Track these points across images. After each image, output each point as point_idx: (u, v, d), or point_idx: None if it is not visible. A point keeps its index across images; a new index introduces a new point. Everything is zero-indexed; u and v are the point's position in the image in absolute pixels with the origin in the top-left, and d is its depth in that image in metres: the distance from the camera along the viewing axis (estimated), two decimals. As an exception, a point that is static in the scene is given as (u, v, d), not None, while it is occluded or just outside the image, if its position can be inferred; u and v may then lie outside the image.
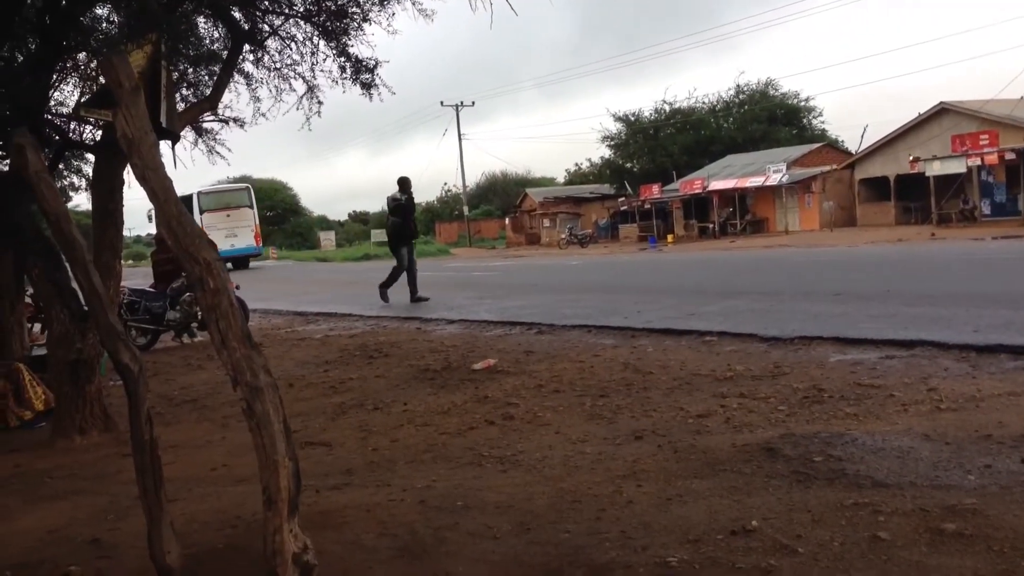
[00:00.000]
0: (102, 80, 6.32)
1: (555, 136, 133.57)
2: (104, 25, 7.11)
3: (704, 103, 57.14)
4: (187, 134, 8.78)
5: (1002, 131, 31.20)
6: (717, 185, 42.46)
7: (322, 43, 8.02)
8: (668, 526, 3.44)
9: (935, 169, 32.79)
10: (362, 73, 8.07)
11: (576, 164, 70.84)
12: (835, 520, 3.34)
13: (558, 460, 4.62)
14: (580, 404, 5.96)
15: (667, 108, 56.32)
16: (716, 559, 3.07)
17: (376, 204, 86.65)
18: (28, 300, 10.17)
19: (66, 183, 12.73)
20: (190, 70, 8.22)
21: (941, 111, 34.68)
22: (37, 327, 11.42)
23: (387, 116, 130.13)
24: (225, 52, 7.92)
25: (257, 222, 39.26)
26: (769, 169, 40.74)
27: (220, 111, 8.60)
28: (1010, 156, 30.62)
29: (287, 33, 8.13)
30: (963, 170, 31.74)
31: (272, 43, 8.18)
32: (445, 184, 75.22)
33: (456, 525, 3.65)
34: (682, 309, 10.56)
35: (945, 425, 4.56)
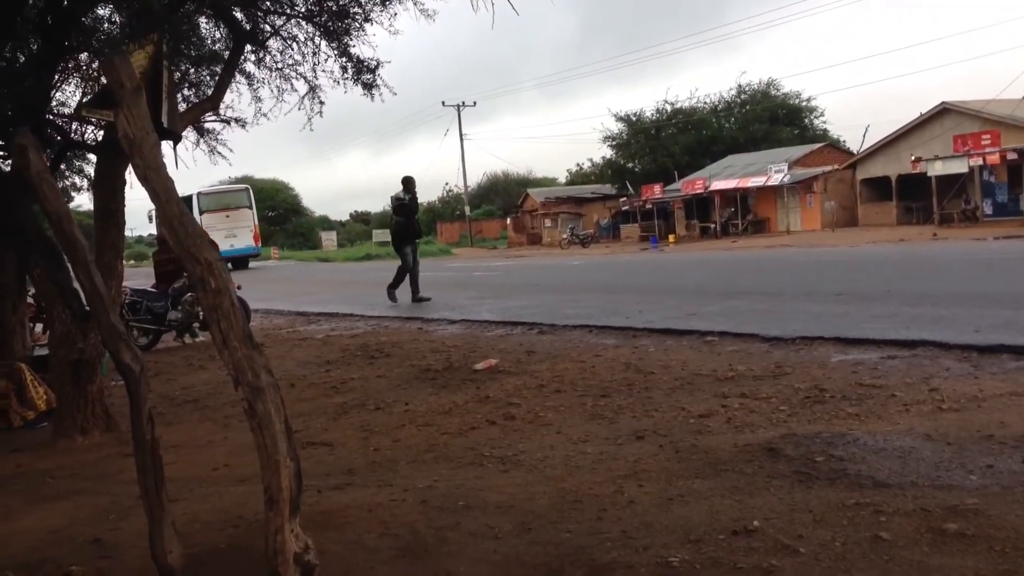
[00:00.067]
0: (104, 80, 6.32)
1: (557, 136, 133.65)
2: (106, 25, 7.11)
3: (706, 103, 57.22)
4: (189, 134, 8.78)
5: (1004, 131, 31.18)
6: (719, 185, 42.45)
7: (324, 43, 8.03)
8: (669, 526, 3.44)
9: (937, 169, 32.77)
10: (363, 73, 8.07)
11: (578, 164, 70.92)
12: (837, 520, 3.34)
13: (559, 460, 4.62)
14: (581, 404, 5.96)
15: (669, 108, 56.36)
16: (717, 559, 3.07)
17: (377, 204, 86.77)
18: (30, 300, 10.18)
19: (68, 183, 12.73)
20: (192, 70, 8.22)
21: (943, 111, 34.66)
22: (39, 327, 11.43)
23: (389, 116, 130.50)
24: (227, 52, 7.93)
25: (256, 223, 39.49)
26: (771, 169, 40.73)
27: (222, 111, 8.60)
28: (1012, 156, 30.60)
29: (288, 33, 8.13)
30: (965, 170, 31.73)
31: (274, 43, 8.19)
32: (446, 184, 75.30)
33: (457, 525, 3.65)
34: (683, 309, 10.56)
35: (947, 425, 4.56)
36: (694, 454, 4.47)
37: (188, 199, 33.43)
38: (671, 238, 41.79)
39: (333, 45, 7.97)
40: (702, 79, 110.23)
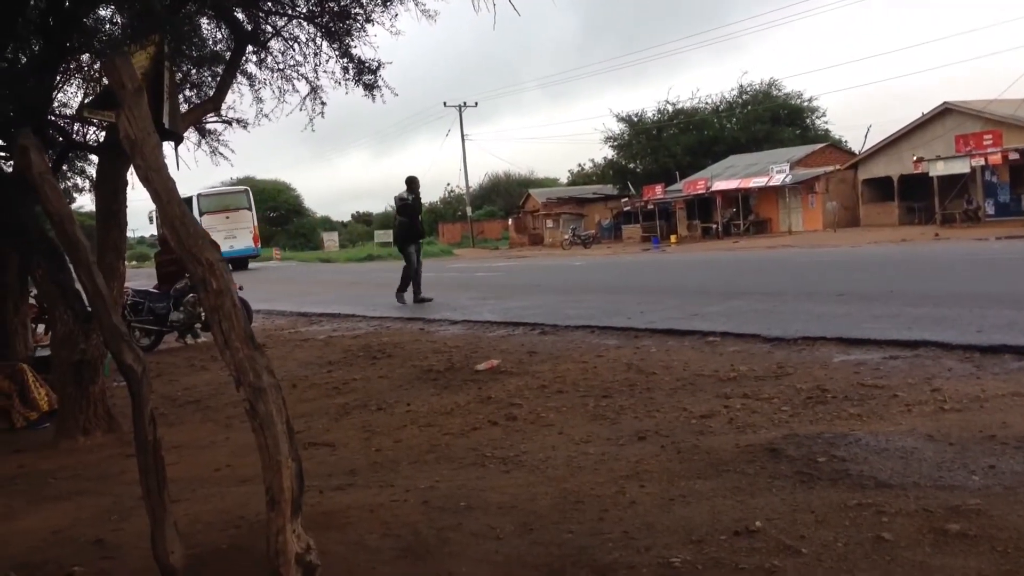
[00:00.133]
0: (105, 81, 6.33)
1: (558, 137, 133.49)
2: (107, 26, 7.11)
3: (707, 103, 57.29)
4: (190, 135, 8.78)
5: (1006, 131, 31.16)
6: (720, 185, 42.45)
7: (325, 44, 8.03)
8: (671, 527, 3.44)
9: (939, 169, 32.75)
10: (365, 74, 8.07)
11: (579, 165, 70.99)
12: (839, 521, 3.33)
13: (561, 461, 4.62)
14: (583, 405, 5.96)
15: (670, 108, 56.44)
16: (719, 560, 3.07)
17: (379, 205, 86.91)
18: (32, 301, 10.18)
19: (70, 184, 12.73)
20: (193, 71, 8.22)
21: (945, 111, 34.64)
22: (41, 328, 11.43)
23: (390, 117, 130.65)
24: (228, 53, 7.93)
25: (256, 224, 39.80)
26: (772, 169, 40.72)
27: (223, 112, 8.60)
28: (1014, 156, 30.58)
29: (290, 34, 8.14)
30: (967, 170, 31.70)
31: (275, 44, 8.19)
32: (448, 185, 75.37)
33: (459, 525, 3.65)
34: (685, 310, 10.55)
35: (949, 425, 4.56)
36: (696, 455, 4.46)
37: (188, 200, 33.52)
38: (673, 238, 41.78)
39: (334, 46, 7.98)
40: (704, 79, 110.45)
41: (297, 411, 6.33)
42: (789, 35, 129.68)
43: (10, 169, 7.22)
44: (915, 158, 33.82)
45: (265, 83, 8.43)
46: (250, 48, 7.98)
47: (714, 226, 42.71)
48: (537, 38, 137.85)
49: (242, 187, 42.84)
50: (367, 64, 8.04)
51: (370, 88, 8.16)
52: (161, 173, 3.03)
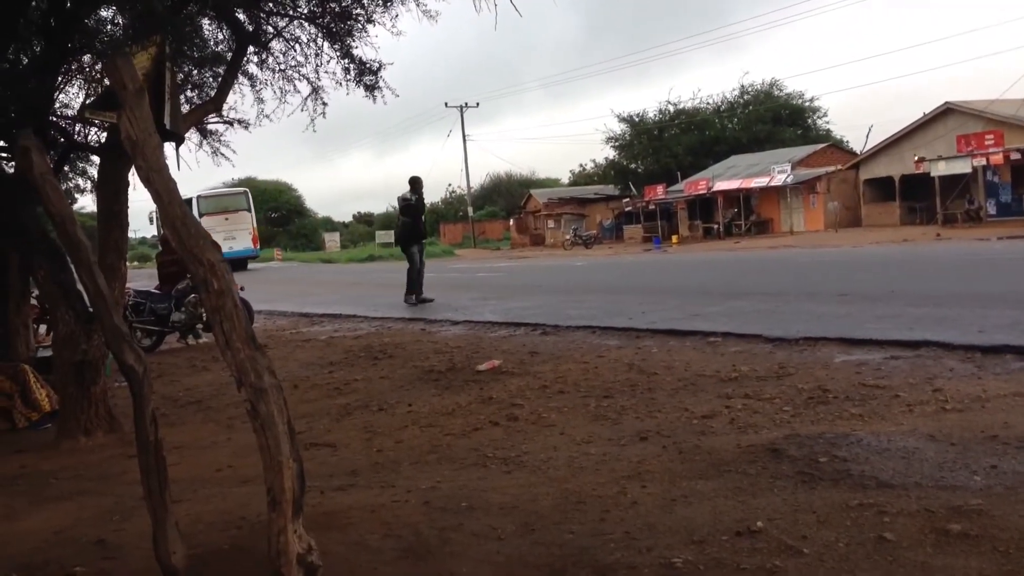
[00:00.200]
0: (107, 82, 6.33)
1: (559, 137, 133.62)
2: (108, 27, 7.12)
3: (708, 104, 57.28)
4: (192, 136, 8.78)
5: (1007, 131, 31.15)
6: (722, 186, 42.44)
7: (326, 45, 8.03)
8: (673, 527, 3.44)
9: (940, 169, 32.74)
10: (366, 75, 8.07)
11: (581, 165, 70.97)
12: (840, 521, 3.33)
13: (562, 461, 4.62)
14: (584, 405, 5.96)
15: (671, 109, 56.47)
16: (721, 560, 3.07)
17: (380, 205, 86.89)
18: (34, 302, 10.19)
19: (71, 185, 12.73)
20: (194, 72, 8.22)
21: (946, 111, 34.63)
22: (43, 328, 11.44)
23: (391, 117, 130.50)
24: (229, 54, 7.93)
25: (255, 225, 40.21)
26: (774, 169, 40.71)
27: (225, 113, 8.60)
28: (1015, 156, 30.57)
29: (291, 35, 8.14)
30: (968, 170, 31.69)
31: (276, 45, 8.19)
32: (449, 185, 75.32)
33: (460, 526, 3.65)
34: (686, 310, 10.55)
35: (950, 426, 4.55)
36: (697, 455, 4.46)
37: (188, 202, 33.55)
38: (674, 239, 41.76)
39: (336, 46, 7.97)
40: (706, 79, 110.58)
41: (298, 412, 6.33)
42: (791, 35, 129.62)
43: (12, 170, 7.23)
44: (916, 158, 33.81)
45: (266, 84, 8.44)
46: (251, 49, 7.98)
47: (715, 226, 42.69)
48: (538, 38, 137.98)
49: (241, 189, 43.23)
50: (368, 65, 8.04)
51: (371, 89, 8.16)
52: (162, 174, 3.04)
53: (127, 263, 7.50)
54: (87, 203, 36.68)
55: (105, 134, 7.52)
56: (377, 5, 7.69)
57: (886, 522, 3.27)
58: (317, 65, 8.18)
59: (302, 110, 8.57)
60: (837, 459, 4.10)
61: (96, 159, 8.94)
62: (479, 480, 4.40)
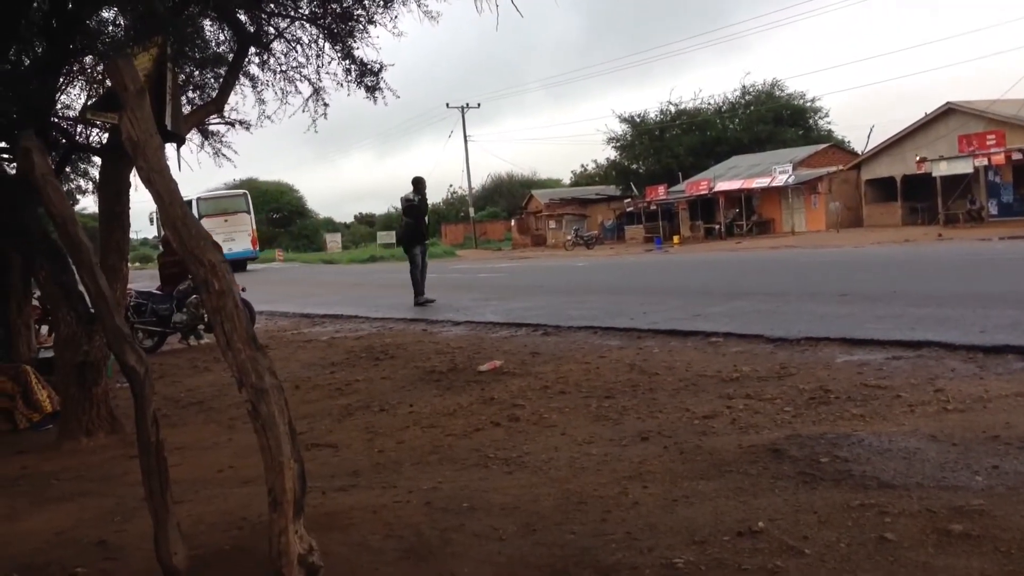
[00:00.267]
0: (108, 83, 6.34)
1: (561, 138, 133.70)
2: (110, 28, 7.13)
3: (710, 104, 57.23)
4: (193, 136, 8.80)
5: (1009, 131, 31.14)
6: (723, 186, 42.43)
7: (327, 46, 8.03)
8: (674, 527, 3.43)
9: (942, 169, 32.72)
10: (367, 76, 8.08)
11: (582, 165, 70.92)
12: (841, 521, 3.33)
13: (564, 461, 4.62)
14: (586, 405, 5.96)
15: (673, 109, 56.40)
16: (722, 560, 3.07)
17: (382, 206, 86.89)
18: (35, 303, 10.20)
19: (73, 186, 12.76)
20: (196, 73, 8.23)
21: (948, 111, 34.61)
22: (44, 329, 11.46)
23: (393, 118, 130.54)
24: (231, 55, 7.94)
25: (254, 227, 40.56)
26: (775, 170, 40.69)
27: (226, 113, 8.61)
28: (1017, 156, 30.55)
29: (292, 36, 8.15)
30: (970, 170, 31.68)
31: (278, 46, 8.20)
32: (451, 186, 75.35)
33: (462, 526, 3.65)
34: (688, 310, 10.55)
35: (952, 426, 4.55)
36: (699, 455, 4.46)
37: (188, 203, 33.73)
38: (675, 239, 41.75)
39: (337, 47, 7.98)
40: (708, 79, 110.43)
41: (300, 412, 6.33)
42: (793, 35, 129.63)
43: (13, 171, 7.23)
44: (918, 158, 33.79)
45: (268, 85, 8.45)
46: (253, 50, 7.99)
47: (717, 227, 42.68)
48: (539, 39, 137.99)
49: (241, 191, 43.69)
50: (369, 66, 8.05)
51: (372, 90, 8.17)
52: (163, 175, 3.04)
53: (128, 264, 7.50)
54: (89, 204, 36.74)
55: (107, 135, 7.52)
56: (378, 6, 7.70)
57: (887, 522, 3.27)
58: (318, 66, 8.20)
59: (303, 111, 8.59)
60: (838, 459, 4.10)
61: (98, 160, 8.95)
62: (480, 480, 4.40)
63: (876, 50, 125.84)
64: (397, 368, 8.34)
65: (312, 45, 8.10)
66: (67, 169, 10.60)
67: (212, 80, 8.36)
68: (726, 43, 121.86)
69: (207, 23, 7.85)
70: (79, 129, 8.47)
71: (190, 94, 8.35)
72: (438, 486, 4.33)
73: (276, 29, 8.08)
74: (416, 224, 14.96)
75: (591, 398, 6.16)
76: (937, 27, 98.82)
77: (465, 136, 58.30)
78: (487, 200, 71.59)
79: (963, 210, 32.72)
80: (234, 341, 2.82)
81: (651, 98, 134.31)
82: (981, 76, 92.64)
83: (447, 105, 58.64)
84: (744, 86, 56.96)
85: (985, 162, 31.09)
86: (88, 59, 7.59)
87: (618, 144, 58.03)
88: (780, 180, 39.88)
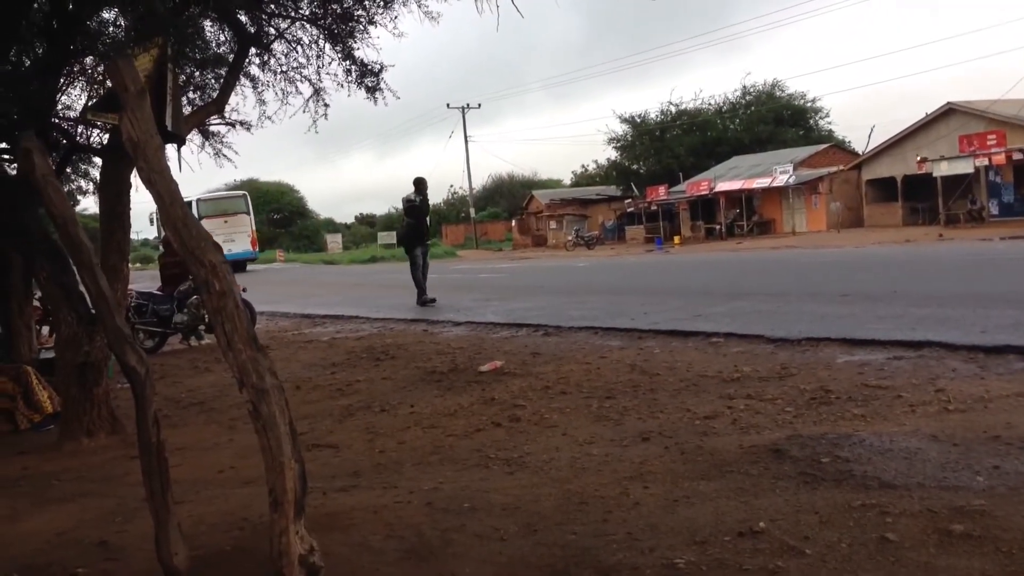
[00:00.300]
0: (109, 84, 6.34)
1: (561, 138, 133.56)
2: (111, 29, 7.12)
3: (710, 104, 57.21)
4: (194, 137, 8.79)
5: (1010, 131, 31.13)
6: (724, 186, 42.42)
7: (328, 46, 8.03)
8: (675, 528, 3.43)
9: (943, 169, 32.72)
10: (367, 77, 8.07)
11: (583, 166, 70.92)
12: (843, 521, 3.33)
13: (565, 462, 4.62)
14: (587, 406, 5.96)
15: (673, 109, 56.40)
16: (723, 561, 3.07)
17: (382, 206, 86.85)
18: (36, 303, 10.21)
19: (74, 187, 12.78)
20: (196, 73, 8.23)
21: (948, 111, 34.60)
22: (45, 330, 11.46)
23: (393, 119, 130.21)
24: (231, 55, 7.94)
25: (254, 228, 40.75)
26: (776, 170, 40.68)
27: (227, 114, 8.61)
28: (1018, 156, 30.55)
29: (293, 36, 8.14)
30: (971, 170, 31.67)
31: (278, 46, 8.20)
32: (451, 186, 75.37)
33: (463, 527, 3.65)
34: (689, 310, 10.55)
35: (953, 426, 4.55)
36: (699, 455, 4.46)
37: (188, 204, 33.87)
38: (676, 239, 41.75)
39: (337, 48, 7.98)
40: (709, 80, 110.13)
41: (301, 413, 6.33)
42: (793, 35, 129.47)
43: (14, 171, 7.24)
44: (919, 158, 33.79)
45: (268, 85, 8.45)
46: (253, 50, 7.99)
47: (717, 227, 42.68)
48: (540, 39, 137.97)
49: (240, 192, 43.92)
50: (369, 67, 8.05)
51: (372, 91, 8.16)
52: (164, 175, 3.04)
53: (129, 264, 7.50)
54: (89, 204, 36.81)
55: (107, 136, 7.52)
56: (378, 7, 7.70)
57: (888, 523, 3.27)
58: (319, 67, 8.19)
59: (304, 111, 8.59)
60: (839, 460, 4.10)
61: (98, 161, 8.95)
62: (481, 481, 4.40)
63: (877, 50, 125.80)
64: (398, 368, 8.34)
65: (312, 46, 8.10)
66: (68, 170, 10.61)
67: (213, 81, 8.36)
68: (726, 43, 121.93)
69: (208, 24, 7.85)
70: (80, 130, 8.47)
71: (191, 95, 8.35)
72: (439, 486, 4.33)
73: (276, 30, 8.08)
74: (417, 225, 14.96)
75: (592, 398, 6.16)
76: (938, 27, 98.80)
77: (466, 136, 58.41)
78: (488, 200, 71.58)
79: (964, 210, 32.72)
80: (235, 342, 2.82)
81: (652, 98, 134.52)
82: (982, 76, 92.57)
83: (448, 105, 58.75)
84: (745, 86, 57.03)
85: (986, 162, 31.09)
86: (89, 60, 7.59)
87: (619, 144, 58.06)
88: (781, 180, 39.88)
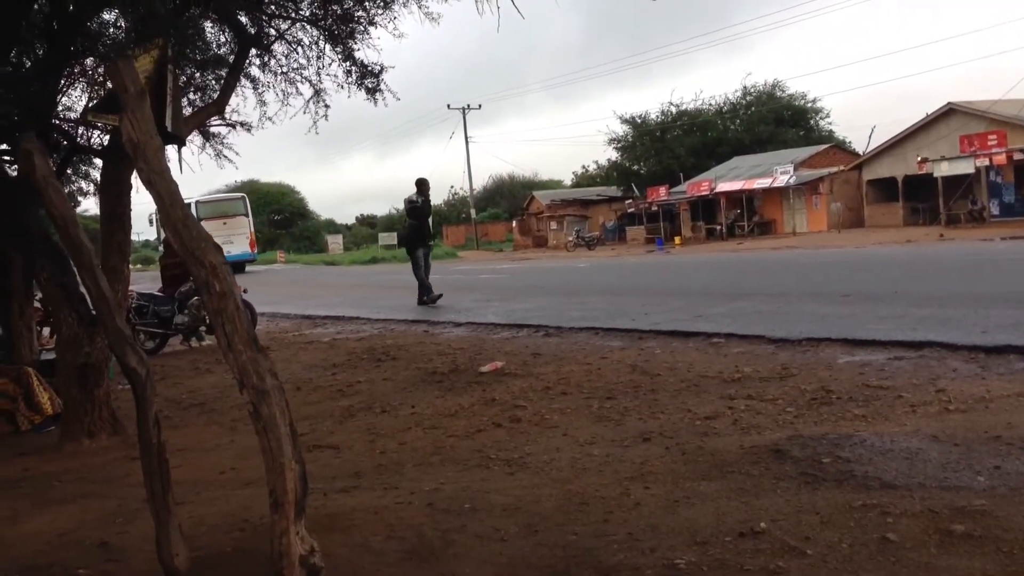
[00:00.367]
0: (109, 85, 6.34)
1: (562, 139, 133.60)
2: (111, 30, 7.13)
3: (711, 105, 57.19)
4: (195, 138, 8.79)
5: (1010, 131, 31.13)
6: (724, 187, 42.42)
7: (328, 47, 8.03)
8: (676, 528, 3.43)
9: (943, 170, 32.71)
10: (367, 78, 8.07)
11: (583, 166, 70.82)
12: (844, 522, 3.33)
13: (565, 462, 4.61)
14: (587, 406, 5.95)
15: (674, 110, 56.37)
16: (724, 561, 3.07)
17: (383, 207, 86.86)
18: (37, 304, 10.21)
19: (74, 188, 12.76)
20: (197, 74, 8.23)
21: (949, 111, 34.60)
22: (46, 331, 11.46)
23: (394, 119, 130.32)
24: (232, 56, 7.94)
25: (252, 230, 41.03)
26: (776, 170, 40.68)
27: (227, 115, 8.61)
28: (1019, 156, 30.55)
29: (293, 37, 8.15)
30: (971, 170, 31.67)
31: (278, 47, 8.20)
32: (452, 187, 75.35)
33: (464, 527, 3.65)
34: (689, 311, 10.54)
35: (954, 426, 4.55)
36: (700, 456, 4.46)
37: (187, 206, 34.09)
38: (677, 240, 41.76)
39: (337, 49, 7.98)
40: (709, 80, 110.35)
41: (301, 413, 6.33)
42: (794, 36, 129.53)
43: (15, 173, 7.24)
44: (919, 159, 33.78)
45: (269, 86, 8.45)
46: (254, 51, 7.99)
47: (718, 227, 42.69)
48: (540, 40, 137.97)
49: (239, 194, 44.24)
50: (369, 68, 8.05)
51: (372, 92, 8.16)
52: (164, 176, 3.04)
53: (130, 265, 7.51)
54: (90, 206, 36.86)
55: (108, 137, 7.53)
56: (378, 8, 7.70)
57: (889, 523, 3.27)
58: (319, 68, 8.20)
59: (304, 112, 8.58)
60: (840, 460, 4.10)
61: (99, 162, 8.95)
62: (482, 482, 4.40)
63: (877, 50, 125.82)
64: (399, 369, 8.34)
65: (313, 47, 8.10)
66: (68, 171, 10.60)
67: (213, 82, 8.36)
68: (727, 43, 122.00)
69: (208, 25, 7.85)
70: (80, 131, 8.47)
71: (191, 96, 8.35)
72: (440, 487, 4.33)
73: (277, 31, 8.08)
74: (419, 226, 14.97)
75: (593, 399, 6.16)
76: (938, 27, 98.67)
77: (466, 137, 58.39)
78: (488, 201, 71.57)
79: (964, 210, 32.72)
80: (235, 343, 2.82)
81: (652, 99, 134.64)
82: (982, 76, 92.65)
83: (448, 106, 58.79)
84: (745, 87, 57.00)
85: (986, 162, 31.10)
86: (89, 61, 7.59)
87: (619, 145, 58.01)
88: (781, 181, 39.88)
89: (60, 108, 8.21)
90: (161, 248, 16.59)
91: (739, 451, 4.44)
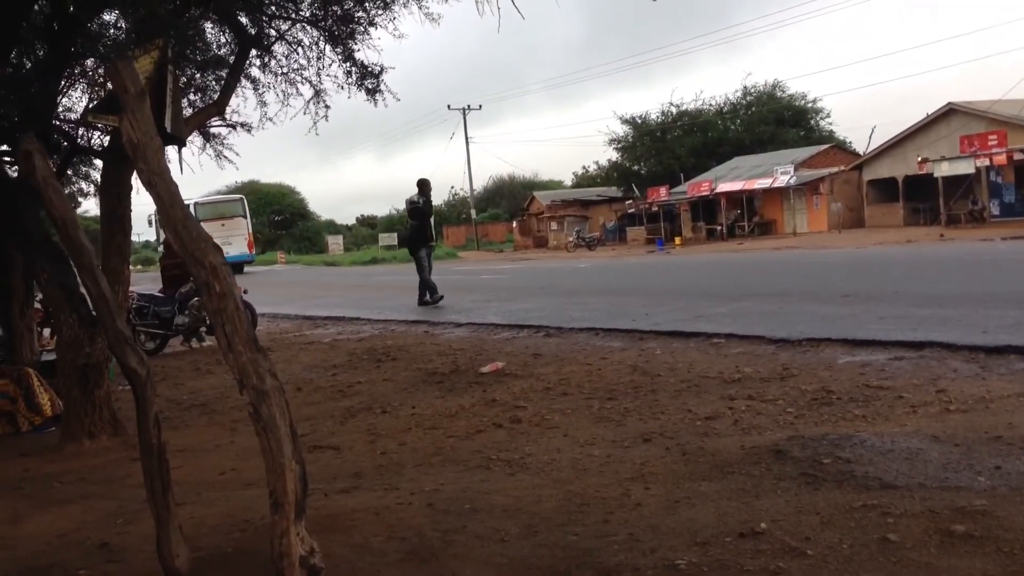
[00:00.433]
0: (110, 86, 6.34)
1: (562, 139, 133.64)
2: (111, 31, 7.14)
3: (711, 105, 57.18)
4: (195, 139, 8.80)
5: (1011, 131, 31.12)
6: (725, 187, 42.42)
7: (328, 48, 8.04)
8: (676, 528, 3.43)
9: (943, 170, 32.70)
10: (367, 79, 8.08)
11: (583, 167, 70.81)
12: (844, 522, 3.33)
13: (566, 463, 4.61)
14: (588, 407, 5.95)
15: (674, 110, 56.37)
16: (724, 561, 3.07)
17: (383, 208, 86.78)
18: (38, 305, 10.21)
19: (74, 189, 12.78)
20: (197, 75, 8.24)
21: (949, 111, 34.59)
22: (47, 332, 11.46)
23: (394, 120, 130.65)
24: (232, 57, 7.94)
25: (250, 231, 41.27)
26: (777, 171, 40.67)
27: (227, 116, 8.61)
28: (1019, 156, 30.53)
29: (293, 38, 8.15)
30: (972, 171, 31.66)
31: (279, 48, 8.21)
32: (452, 188, 75.35)
33: (464, 528, 3.65)
34: (690, 311, 10.54)
35: (954, 426, 4.55)
36: (701, 456, 4.46)
37: (186, 207, 34.31)
38: (677, 240, 41.76)
39: (338, 50, 7.99)
40: (709, 80, 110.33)
41: (302, 414, 6.34)
42: (794, 36, 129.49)
43: (15, 173, 7.24)
44: (920, 159, 33.78)
45: (269, 87, 8.46)
46: (254, 52, 8.00)
47: (718, 228, 42.68)
48: (541, 40, 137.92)
49: (237, 196, 44.53)
50: (370, 68, 8.06)
51: (372, 92, 8.17)
52: (164, 177, 3.04)
53: (130, 266, 7.51)
54: (90, 207, 36.92)
55: (108, 138, 7.53)
56: (379, 8, 7.70)
57: (890, 523, 3.26)
58: (319, 68, 8.20)
59: (305, 113, 8.59)
60: (841, 460, 4.10)
61: (99, 163, 8.96)
62: (482, 482, 4.40)
63: (878, 50, 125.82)
64: (399, 370, 8.34)
65: (313, 47, 8.12)
66: (68, 172, 10.61)
67: (213, 82, 8.37)
68: (727, 44, 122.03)
69: (208, 25, 7.86)
70: (80, 132, 8.48)
71: (191, 96, 8.36)
72: (440, 488, 4.33)
73: (277, 31, 8.09)
74: (421, 226, 14.98)
75: (593, 399, 6.16)
76: (938, 27, 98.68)
77: (467, 138, 58.37)
78: (489, 202, 71.57)
79: (965, 210, 32.71)
80: (235, 343, 2.82)
81: (652, 99, 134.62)
82: (983, 76, 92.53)
83: (448, 107, 58.78)
84: (745, 87, 57.00)
85: (987, 162, 31.09)
86: (89, 62, 7.60)
87: (619, 145, 58.01)
88: (782, 181, 39.87)
89: (60, 109, 8.22)
90: (161, 249, 16.58)
91: (739, 451, 4.44)
